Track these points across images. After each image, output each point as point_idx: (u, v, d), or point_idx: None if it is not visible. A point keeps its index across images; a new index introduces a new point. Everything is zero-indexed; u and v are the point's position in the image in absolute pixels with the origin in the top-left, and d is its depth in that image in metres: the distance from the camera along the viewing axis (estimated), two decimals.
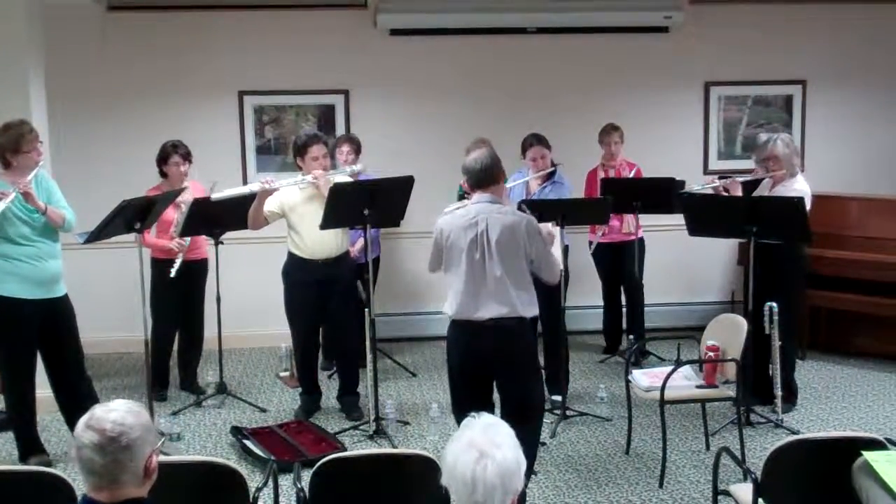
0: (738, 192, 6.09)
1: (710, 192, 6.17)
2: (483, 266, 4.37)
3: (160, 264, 6.27)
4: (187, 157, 6.36)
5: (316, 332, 6.23)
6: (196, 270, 6.46)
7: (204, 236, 6.38)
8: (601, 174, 7.24)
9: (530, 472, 4.67)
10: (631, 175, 7.21)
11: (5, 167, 5.15)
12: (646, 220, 7.11)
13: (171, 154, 6.31)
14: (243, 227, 5.95)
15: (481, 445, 2.36)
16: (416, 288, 8.02)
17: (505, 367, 4.45)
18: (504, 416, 4.51)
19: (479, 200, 4.46)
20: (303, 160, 5.88)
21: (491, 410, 4.59)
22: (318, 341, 6.31)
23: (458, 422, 3.97)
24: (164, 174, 6.37)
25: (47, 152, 5.82)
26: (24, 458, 5.31)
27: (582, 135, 7.44)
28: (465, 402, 4.40)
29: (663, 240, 7.57)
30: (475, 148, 6.98)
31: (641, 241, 7.18)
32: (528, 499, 4.57)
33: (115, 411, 2.41)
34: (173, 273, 6.06)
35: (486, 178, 4.46)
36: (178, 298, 6.39)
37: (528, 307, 4.43)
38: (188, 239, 6.21)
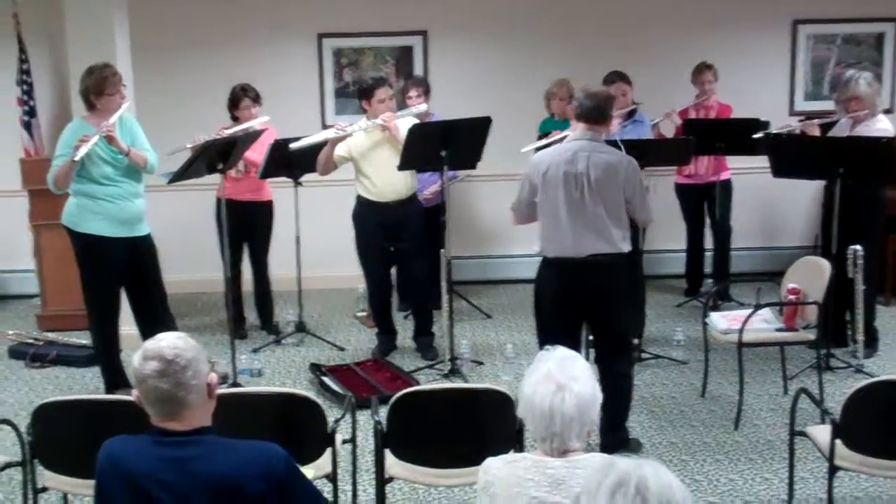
0: (816, 134, 5.93)
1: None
2: (582, 203, 4.35)
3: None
4: (257, 99, 6.39)
5: (388, 273, 6.29)
6: (258, 211, 6.47)
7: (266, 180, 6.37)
8: (692, 114, 7.08)
9: (629, 403, 4.74)
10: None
11: (90, 109, 5.28)
12: (732, 161, 6.97)
13: (242, 98, 6.34)
14: None
15: (559, 378, 2.41)
16: (491, 231, 8.01)
17: (603, 302, 4.47)
18: (598, 351, 4.60)
19: (579, 137, 4.41)
20: (369, 103, 5.87)
21: (578, 346, 4.67)
22: (391, 283, 6.37)
23: None
24: (234, 118, 6.40)
25: (131, 96, 5.92)
26: (110, 390, 5.49)
27: (669, 73, 7.26)
28: (555, 340, 4.43)
29: (747, 182, 7.39)
30: (556, 89, 6.96)
31: (728, 182, 7.05)
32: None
33: (165, 339, 2.47)
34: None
35: (597, 114, 4.38)
36: (243, 238, 6.41)
37: (626, 243, 4.45)
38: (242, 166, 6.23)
